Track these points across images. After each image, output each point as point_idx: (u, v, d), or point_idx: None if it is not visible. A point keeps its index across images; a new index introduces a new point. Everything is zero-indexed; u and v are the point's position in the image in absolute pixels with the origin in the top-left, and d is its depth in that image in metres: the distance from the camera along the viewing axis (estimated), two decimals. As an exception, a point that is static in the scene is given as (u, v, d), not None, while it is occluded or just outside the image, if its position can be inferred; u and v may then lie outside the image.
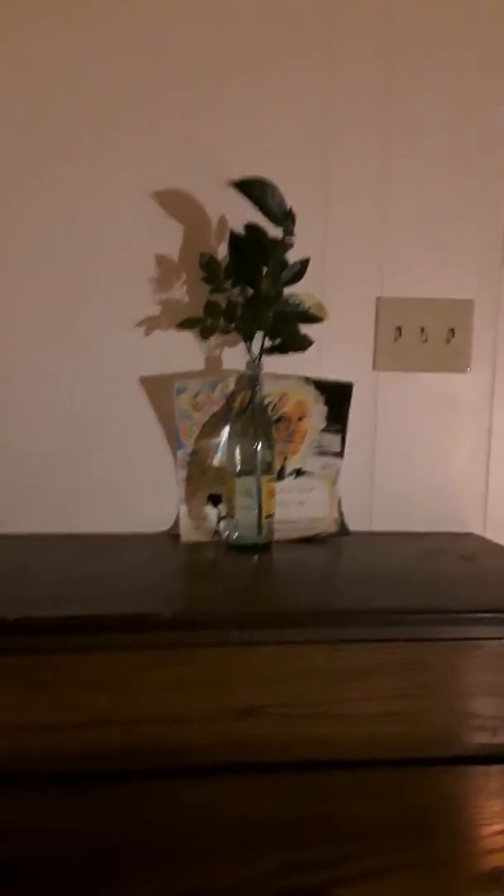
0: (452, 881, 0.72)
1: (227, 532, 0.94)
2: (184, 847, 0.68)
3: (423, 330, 1.04)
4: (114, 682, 0.67)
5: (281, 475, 0.99)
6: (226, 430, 0.96)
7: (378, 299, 1.04)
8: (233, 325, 0.93)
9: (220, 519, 0.97)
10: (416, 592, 0.79)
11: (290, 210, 0.88)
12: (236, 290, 0.94)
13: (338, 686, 0.70)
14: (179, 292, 0.99)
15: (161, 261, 0.99)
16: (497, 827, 0.72)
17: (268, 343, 0.94)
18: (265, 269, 0.90)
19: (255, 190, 0.87)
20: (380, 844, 0.71)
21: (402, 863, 0.71)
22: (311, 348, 0.96)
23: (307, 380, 0.99)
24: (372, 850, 0.70)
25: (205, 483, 0.98)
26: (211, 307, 0.93)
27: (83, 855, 0.67)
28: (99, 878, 0.68)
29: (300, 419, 1.00)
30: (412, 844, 0.71)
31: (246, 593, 0.80)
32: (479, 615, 0.72)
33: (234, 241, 0.92)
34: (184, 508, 0.98)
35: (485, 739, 0.72)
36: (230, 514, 0.93)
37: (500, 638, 0.72)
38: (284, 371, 0.98)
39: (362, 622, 0.71)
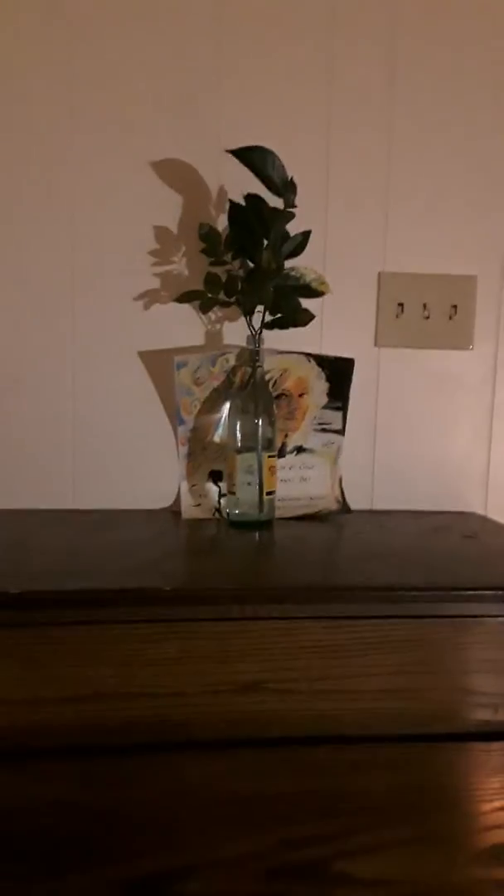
0: (453, 857, 0.72)
1: (228, 509, 0.93)
2: (184, 822, 0.68)
3: (425, 306, 1.03)
4: (115, 657, 0.67)
5: (282, 452, 0.98)
6: (226, 406, 0.95)
7: (380, 274, 1.02)
8: (233, 298, 0.92)
9: (221, 496, 0.96)
10: (418, 570, 0.78)
11: (291, 179, 0.87)
12: (236, 263, 0.92)
13: (339, 662, 0.70)
14: (179, 265, 0.98)
15: (160, 232, 0.97)
16: (497, 803, 0.72)
17: (268, 317, 0.93)
18: (266, 242, 0.89)
19: (255, 158, 0.85)
20: (380, 820, 0.71)
21: (403, 838, 0.71)
22: (313, 323, 0.94)
23: (308, 355, 0.98)
24: (373, 825, 0.70)
25: (206, 459, 0.97)
26: (211, 280, 0.91)
27: (83, 829, 0.67)
28: (99, 852, 0.68)
29: (301, 395, 0.99)
30: (413, 820, 0.71)
31: (247, 569, 0.79)
32: (481, 592, 0.72)
33: (234, 211, 0.90)
34: (185, 485, 0.97)
35: (486, 716, 0.72)
36: (231, 491, 0.92)
37: (502, 615, 0.72)
38: (285, 346, 0.97)
39: (364, 598, 0.71)
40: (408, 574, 0.76)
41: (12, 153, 0.95)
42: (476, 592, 0.72)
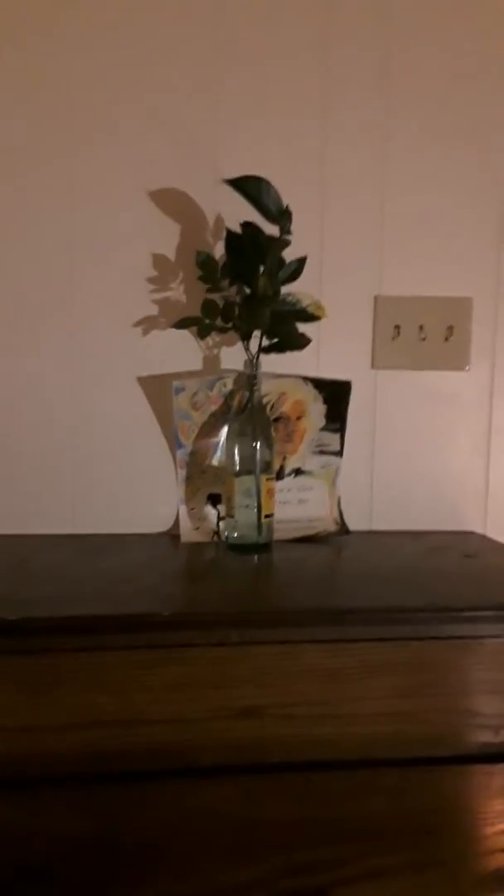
0: (456, 881, 0.71)
1: (227, 532, 0.94)
2: (184, 848, 0.68)
3: (421, 328, 1.04)
4: (114, 683, 0.67)
5: (280, 475, 0.98)
6: (225, 430, 0.96)
7: (376, 297, 1.03)
8: (230, 324, 0.93)
9: (219, 519, 0.97)
10: (418, 591, 0.78)
11: (287, 208, 0.88)
12: (233, 289, 0.94)
13: (339, 686, 0.69)
14: (177, 291, 0.99)
15: (158, 260, 0.99)
16: (501, 826, 0.72)
17: (265, 342, 0.94)
18: (262, 268, 0.90)
19: (250, 187, 0.87)
20: (382, 845, 0.70)
21: (405, 863, 0.70)
22: (310, 347, 0.95)
23: (305, 379, 0.99)
24: (374, 850, 0.70)
25: (204, 483, 0.98)
26: (208, 306, 0.93)
27: (83, 857, 0.67)
28: (99, 880, 0.67)
29: (299, 418, 0.99)
30: (415, 845, 0.70)
31: (246, 593, 0.79)
32: (482, 613, 0.72)
33: (231, 239, 0.91)
34: (183, 509, 0.98)
35: (488, 738, 0.71)
36: (230, 514, 0.92)
37: (503, 636, 0.72)
38: (282, 370, 0.98)
39: (363, 621, 0.71)
40: (408, 595, 0.76)
41: (11, 181, 0.97)
42: (477, 613, 0.72)
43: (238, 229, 0.90)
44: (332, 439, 1.00)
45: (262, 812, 0.68)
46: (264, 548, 0.91)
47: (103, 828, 0.67)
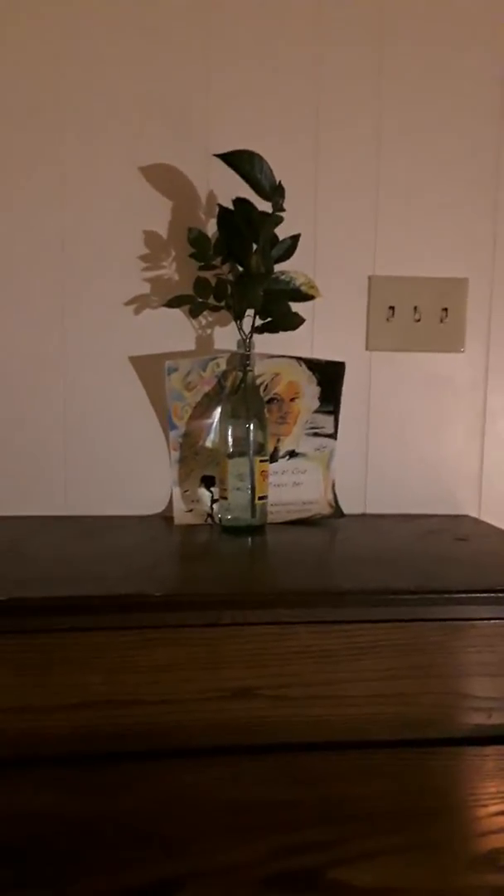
0: (448, 863, 0.72)
1: (221, 514, 0.93)
2: (176, 829, 0.68)
3: (416, 309, 1.03)
4: (105, 664, 0.66)
5: (274, 457, 0.98)
6: (218, 411, 0.95)
7: (370, 278, 1.02)
8: (223, 302, 0.91)
9: (213, 501, 0.96)
10: (411, 573, 0.78)
11: (279, 183, 0.87)
12: (226, 267, 0.92)
13: (331, 667, 0.69)
14: (169, 269, 0.98)
15: (149, 237, 0.97)
16: (493, 808, 0.72)
17: (259, 322, 0.92)
18: (255, 246, 0.88)
19: (242, 162, 0.86)
20: (375, 826, 0.70)
21: (398, 845, 0.70)
22: (303, 327, 0.94)
23: (299, 359, 0.98)
24: (367, 832, 0.70)
25: (198, 465, 0.97)
26: (200, 284, 0.91)
27: (73, 837, 0.67)
28: (89, 861, 0.67)
29: (293, 400, 0.98)
30: (407, 826, 0.71)
31: (239, 575, 0.79)
32: (474, 595, 0.72)
33: (223, 215, 0.90)
34: (177, 490, 0.97)
35: (480, 720, 0.71)
36: (223, 496, 0.91)
37: (496, 618, 0.72)
38: (276, 350, 0.97)
39: (356, 602, 0.70)
40: (400, 578, 0.76)
41: (1, 160, 0.95)
42: (468, 595, 0.71)
43: (230, 205, 0.89)
44: (326, 421, 0.99)
45: (254, 793, 0.68)
46: (258, 530, 0.91)
47: (95, 808, 0.67)
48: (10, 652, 0.66)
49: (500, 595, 0.71)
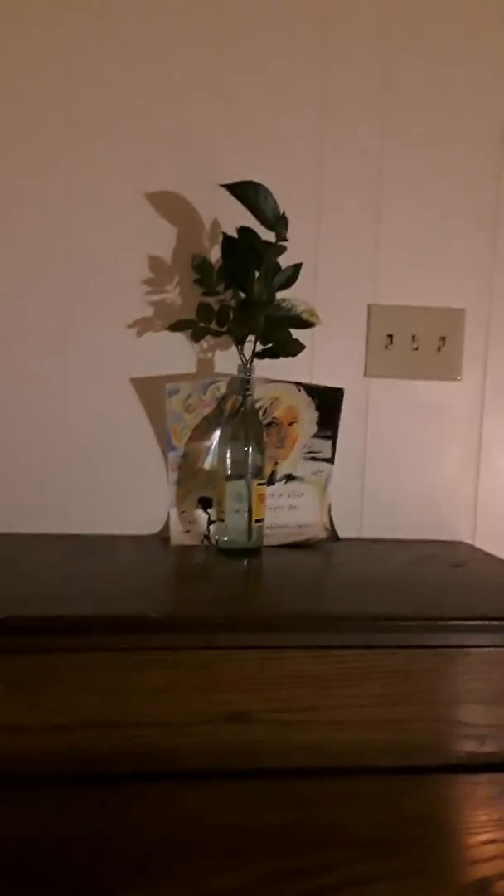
0: (440, 890, 0.71)
1: (217, 536, 0.93)
2: (170, 852, 0.67)
3: (414, 338, 1.04)
4: (101, 684, 0.66)
5: (271, 480, 0.99)
6: (217, 434, 0.96)
7: (370, 306, 1.04)
8: (225, 328, 0.93)
9: (210, 522, 0.97)
10: (406, 599, 0.78)
11: (283, 214, 0.88)
12: (229, 294, 0.94)
13: (326, 692, 0.69)
14: (172, 294, 0.99)
15: (154, 262, 0.99)
16: (484, 836, 0.72)
17: (259, 347, 0.94)
18: (258, 273, 0.90)
19: (247, 193, 0.87)
20: (367, 852, 0.70)
21: (390, 871, 0.70)
22: (303, 353, 0.96)
23: (298, 385, 0.99)
24: (359, 858, 0.70)
25: (195, 486, 0.97)
26: (203, 310, 0.93)
27: (66, 859, 0.66)
28: (82, 884, 0.66)
29: (291, 424, 1.00)
30: (400, 853, 0.70)
31: (235, 597, 0.79)
32: (469, 623, 0.72)
33: (227, 243, 0.92)
34: (174, 511, 0.97)
35: (473, 748, 0.71)
36: (220, 518, 0.92)
37: (490, 646, 0.72)
38: (276, 376, 0.98)
39: (352, 628, 0.71)
40: (395, 604, 0.76)
41: (9, 183, 0.97)
42: (463, 623, 0.72)
43: (235, 234, 0.91)
44: (324, 446, 1.00)
45: (248, 817, 0.68)
46: (254, 552, 0.91)
47: (89, 830, 0.66)
48: (5, 671, 0.66)
49: (495, 623, 0.72)
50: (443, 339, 1.05)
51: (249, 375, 0.93)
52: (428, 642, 0.71)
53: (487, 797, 0.72)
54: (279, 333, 0.94)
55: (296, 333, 0.95)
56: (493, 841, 0.72)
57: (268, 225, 0.89)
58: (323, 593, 0.85)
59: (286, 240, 0.89)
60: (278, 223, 0.88)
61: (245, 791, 0.68)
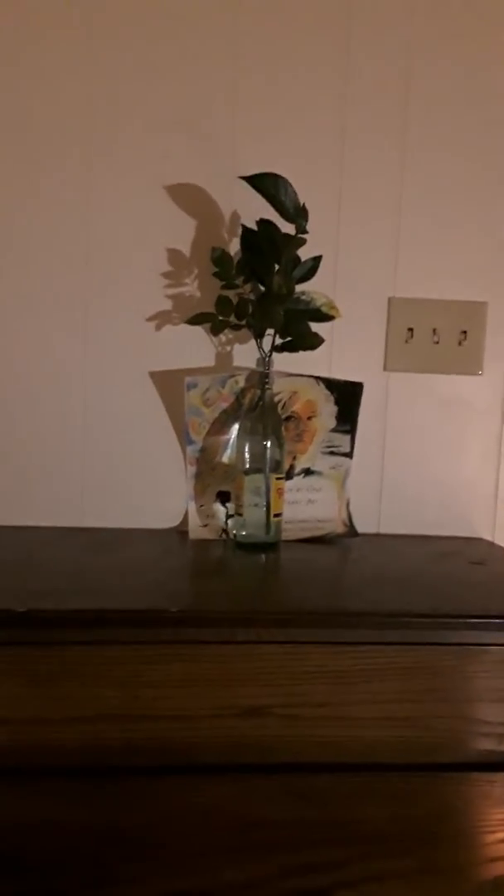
0: (456, 888, 0.71)
1: (235, 530, 0.93)
2: (186, 845, 0.68)
3: (434, 331, 1.03)
4: (119, 678, 0.67)
5: (290, 474, 0.98)
6: (235, 428, 0.96)
7: (390, 299, 1.03)
8: (244, 321, 0.92)
9: (228, 517, 0.97)
10: (425, 596, 0.78)
11: (303, 206, 0.88)
12: (248, 287, 0.93)
13: (343, 688, 0.69)
14: (191, 287, 0.99)
15: (173, 255, 0.98)
16: (500, 835, 0.72)
17: (278, 340, 0.93)
18: (277, 266, 0.90)
19: (267, 185, 0.87)
20: (383, 849, 0.70)
21: (405, 868, 0.70)
22: (322, 347, 0.95)
23: (317, 379, 0.99)
24: (375, 854, 0.70)
25: (214, 480, 0.97)
26: (222, 303, 0.92)
27: (83, 850, 0.67)
28: (98, 875, 0.67)
29: (310, 418, 0.99)
30: (416, 850, 0.70)
31: (253, 592, 0.79)
32: (488, 620, 0.71)
33: (247, 236, 0.91)
34: (192, 505, 0.97)
35: (490, 746, 0.71)
36: (238, 512, 0.92)
37: (508, 644, 0.71)
38: (295, 369, 0.98)
39: (370, 624, 0.71)
40: (414, 600, 0.76)
41: (29, 175, 0.97)
42: (482, 620, 0.71)
43: (254, 226, 0.90)
44: (343, 440, 1.00)
45: (263, 812, 0.68)
46: (272, 547, 0.91)
47: (105, 821, 0.67)
48: (24, 663, 0.66)
49: (513, 621, 0.72)
50: (464, 332, 1.04)
51: (268, 369, 0.93)
52: (445, 639, 0.71)
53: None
54: (298, 327, 0.93)
55: (315, 327, 0.94)
56: (509, 839, 0.71)
57: (288, 217, 0.88)
58: (341, 589, 0.84)
59: (306, 232, 0.88)
60: (298, 215, 0.88)
61: (261, 786, 0.69)
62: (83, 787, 0.67)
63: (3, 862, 0.66)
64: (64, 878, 0.67)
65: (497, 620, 0.71)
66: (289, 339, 0.94)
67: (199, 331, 0.98)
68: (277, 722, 0.68)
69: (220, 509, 0.97)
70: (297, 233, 0.88)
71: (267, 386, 0.93)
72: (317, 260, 0.93)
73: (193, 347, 0.99)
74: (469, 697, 0.71)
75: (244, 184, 0.87)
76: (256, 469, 0.91)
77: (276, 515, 0.91)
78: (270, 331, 0.93)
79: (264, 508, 0.90)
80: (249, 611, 0.71)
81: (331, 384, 0.99)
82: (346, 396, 0.99)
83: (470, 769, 0.71)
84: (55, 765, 0.67)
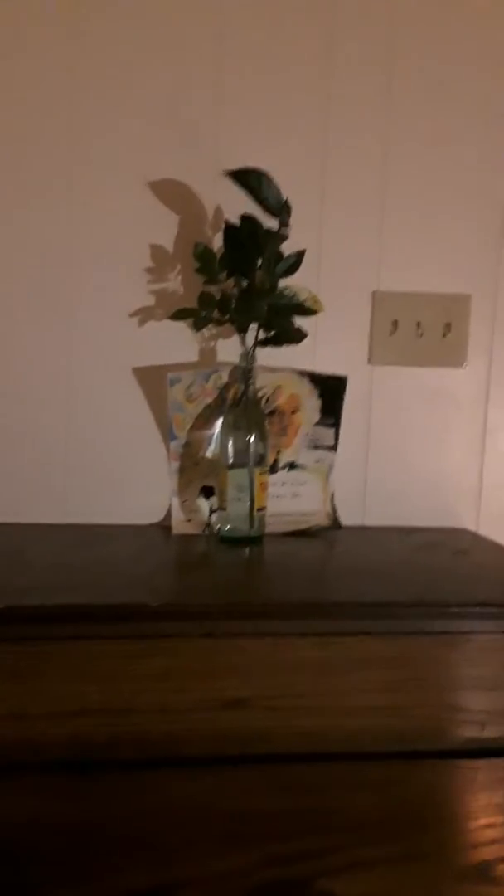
0: (439, 874, 0.72)
1: (219, 524, 0.94)
2: (169, 838, 0.68)
3: (419, 324, 1.04)
4: (102, 672, 0.67)
5: (274, 468, 0.99)
6: (219, 423, 0.96)
7: (374, 293, 1.03)
8: (227, 316, 0.93)
9: (211, 511, 0.97)
10: (408, 586, 0.78)
11: (286, 201, 0.88)
12: (231, 282, 0.93)
13: (326, 679, 0.70)
14: (174, 283, 0.99)
15: (156, 251, 0.98)
16: (484, 821, 0.72)
17: (262, 335, 0.94)
18: (260, 261, 0.90)
19: (250, 180, 0.87)
20: (366, 837, 0.71)
21: (389, 855, 0.71)
22: (306, 341, 0.95)
23: (301, 373, 0.99)
24: (358, 842, 0.70)
25: (197, 475, 0.98)
26: (205, 298, 0.92)
27: (67, 844, 0.67)
28: (82, 868, 0.68)
29: (294, 412, 0.99)
30: (399, 837, 0.71)
31: (236, 585, 0.80)
32: (470, 609, 0.72)
33: (229, 231, 0.91)
34: (176, 500, 0.98)
35: (473, 733, 0.72)
36: (222, 507, 0.92)
37: (491, 632, 0.72)
38: (278, 364, 0.98)
39: (352, 615, 0.71)
40: (397, 590, 0.77)
41: (11, 168, 0.96)
42: (464, 609, 0.72)
43: (237, 221, 0.90)
44: (327, 434, 1.00)
45: (247, 802, 0.69)
46: (256, 541, 0.92)
47: (89, 816, 0.68)
48: (6, 659, 0.66)
49: (497, 609, 0.72)
50: (448, 325, 1.04)
51: (252, 364, 0.93)
52: (428, 629, 0.71)
53: (488, 782, 0.72)
54: (282, 321, 0.94)
55: (299, 321, 0.94)
56: (493, 825, 0.72)
57: (271, 212, 0.88)
58: (324, 581, 0.85)
59: (289, 227, 0.89)
60: (281, 210, 0.88)
61: (244, 777, 0.69)
62: (66, 782, 0.67)
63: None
64: (48, 872, 0.67)
65: (479, 609, 0.72)
66: (272, 333, 0.94)
67: (182, 326, 0.98)
68: (260, 714, 0.69)
69: (203, 504, 0.98)
70: (280, 228, 0.88)
71: (250, 381, 0.93)
72: (300, 255, 0.93)
73: (176, 343, 0.99)
74: (452, 685, 0.72)
75: (227, 179, 0.87)
76: (240, 464, 0.91)
77: (260, 510, 0.92)
78: (254, 326, 0.93)
79: (248, 503, 0.91)
80: (230, 603, 0.72)
81: (315, 378, 1.00)
82: (330, 390, 1.00)
83: (453, 756, 0.72)
84: (38, 760, 0.67)
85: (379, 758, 0.71)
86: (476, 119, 1.02)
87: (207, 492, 0.97)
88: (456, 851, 0.72)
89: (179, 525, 0.97)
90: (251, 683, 0.69)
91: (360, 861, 0.70)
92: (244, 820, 0.69)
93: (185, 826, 0.68)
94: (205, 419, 0.97)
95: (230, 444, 0.92)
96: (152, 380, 0.99)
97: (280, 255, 0.91)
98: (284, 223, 0.88)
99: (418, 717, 0.71)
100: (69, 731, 0.67)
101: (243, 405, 0.92)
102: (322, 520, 1.00)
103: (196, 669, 0.68)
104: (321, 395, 1.00)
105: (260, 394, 0.97)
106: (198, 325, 0.94)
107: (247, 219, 0.89)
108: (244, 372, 0.93)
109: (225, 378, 0.97)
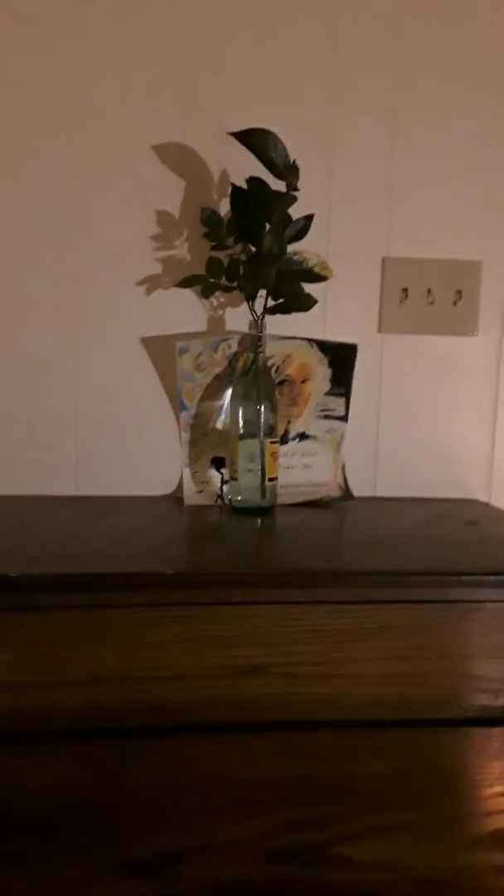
0: (453, 842, 0.72)
1: (230, 495, 0.93)
2: (184, 804, 0.69)
3: (429, 291, 1.02)
4: (116, 640, 0.67)
5: (285, 439, 0.98)
6: (229, 392, 0.95)
7: (384, 259, 1.01)
8: (235, 283, 0.91)
9: (223, 482, 0.96)
10: (420, 555, 0.78)
11: (294, 162, 0.86)
12: (238, 248, 0.92)
13: (340, 647, 0.70)
14: (181, 250, 0.97)
15: (161, 217, 0.97)
16: (498, 789, 0.73)
17: (271, 302, 0.92)
18: (268, 226, 0.88)
19: (256, 140, 0.85)
20: (380, 804, 0.71)
21: (403, 822, 0.71)
22: (315, 309, 0.94)
23: (311, 341, 0.98)
24: (372, 809, 0.71)
25: (208, 445, 0.97)
26: (213, 265, 0.91)
27: (83, 811, 0.68)
28: (98, 835, 0.68)
29: (304, 382, 0.98)
30: (413, 804, 0.71)
31: (249, 554, 0.79)
32: (483, 577, 0.72)
33: (236, 194, 0.89)
34: (187, 471, 0.97)
35: (486, 701, 0.72)
36: (233, 477, 0.92)
37: (502, 600, 0.72)
38: (288, 332, 0.96)
39: (365, 583, 0.71)
40: (409, 560, 0.76)
41: (14, 138, 0.95)
42: (477, 577, 0.72)
43: (244, 185, 0.88)
44: (338, 403, 0.99)
45: (262, 769, 0.69)
46: (267, 511, 0.91)
47: (104, 783, 0.68)
48: (22, 628, 0.66)
49: (507, 577, 0.72)
50: (459, 292, 1.03)
51: (261, 332, 0.92)
52: (441, 597, 0.71)
53: (500, 750, 0.72)
54: (291, 287, 0.92)
55: (308, 288, 0.93)
56: (506, 793, 0.72)
57: (278, 174, 0.86)
58: (336, 550, 0.85)
59: (297, 189, 0.87)
60: (289, 172, 0.86)
61: (258, 743, 0.69)
62: (81, 750, 0.68)
63: (6, 824, 0.67)
64: (64, 839, 0.68)
65: (491, 577, 0.72)
66: (281, 300, 0.92)
67: (190, 295, 0.97)
68: (274, 681, 0.69)
69: (214, 475, 0.97)
70: (287, 190, 0.87)
71: (260, 349, 0.92)
72: (308, 219, 0.91)
73: (185, 312, 0.98)
74: (464, 654, 0.71)
75: (233, 141, 0.85)
76: (251, 434, 0.90)
77: (271, 480, 0.91)
78: (262, 293, 0.91)
79: (259, 473, 0.90)
80: (245, 572, 0.71)
81: (324, 346, 0.98)
82: (341, 359, 0.98)
83: (467, 724, 0.72)
84: (54, 729, 0.67)
85: (393, 725, 0.71)
86: (485, 83, 0.99)
87: (218, 462, 0.97)
88: (470, 819, 0.72)
89: (191, 496, 0.97)
90: (266, 651, 0.68)
91: (375, 828, 0.71)
92: (259, 786, 0.69)
93: (200, 792, 0.69)
94: (214, 389, 0.96)
95: (240, 413, 0.91)
96: (161, 350, 0.98)
97: (288, 219, 0.90)
98: (292, 185, 0.87)
99: (432, 686, 0.71)
100: (84, 698, 0.67)
101: (253, 374, 0.91)
102: (333, 490, 0.99)
103: (210, 637, 0.68)
104: (331, 364, 0.98)
105: (270, 363, 0.95)
106: (206, 293, 0.93)
107: (254, 181, 0.88)
108: (253, 340, 0.92)
109: (234, 347, 0.96)
